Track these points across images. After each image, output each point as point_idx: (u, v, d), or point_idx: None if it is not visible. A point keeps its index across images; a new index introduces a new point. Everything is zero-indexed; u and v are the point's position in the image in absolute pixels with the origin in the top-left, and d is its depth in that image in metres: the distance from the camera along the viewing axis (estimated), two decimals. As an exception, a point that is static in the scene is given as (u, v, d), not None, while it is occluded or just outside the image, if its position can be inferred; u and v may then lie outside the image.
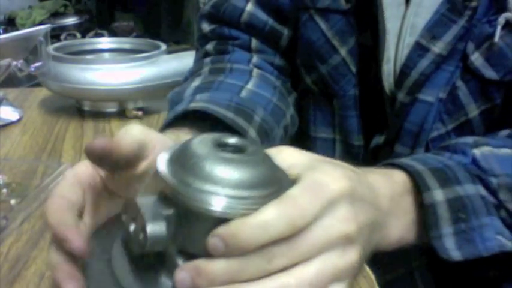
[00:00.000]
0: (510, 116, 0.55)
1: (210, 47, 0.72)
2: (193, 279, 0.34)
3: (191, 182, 0.36)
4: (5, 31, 3.11)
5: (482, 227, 0.45)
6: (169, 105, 0.61)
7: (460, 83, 0.55)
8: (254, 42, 0.70)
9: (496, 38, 0.52)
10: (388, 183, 0.45)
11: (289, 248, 0.34)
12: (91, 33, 3.35)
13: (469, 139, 0.51)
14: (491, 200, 0.46)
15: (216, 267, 0.34)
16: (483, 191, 0.46)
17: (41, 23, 3.10)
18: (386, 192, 0.44)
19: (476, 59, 0.54)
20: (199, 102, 0.55)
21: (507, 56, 0.53)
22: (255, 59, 0.69)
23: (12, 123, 0.94)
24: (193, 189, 0.36)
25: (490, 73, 0.54)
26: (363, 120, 0.64)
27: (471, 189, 0.46)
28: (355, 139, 0.64)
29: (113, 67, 0.96)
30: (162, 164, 0.38)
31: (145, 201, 0.38)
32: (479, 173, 0.47)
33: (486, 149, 0.49)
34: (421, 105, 0.57)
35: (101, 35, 3.18)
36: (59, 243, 0.37)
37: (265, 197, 0.36)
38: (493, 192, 0.46)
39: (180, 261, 0.38)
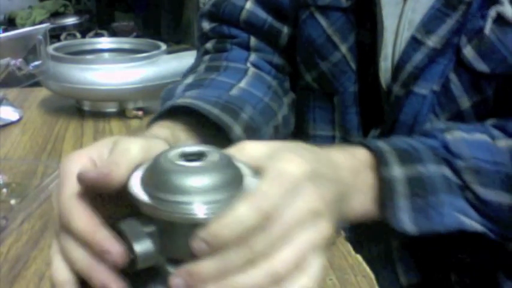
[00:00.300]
0: (502, 109, 0.55)
1: (209, 45, 0.72)
2: (187, 282, 0.37)
3: (167, 197, 0.39)
4: (5, 31, 3.11)
5: (440, 204, 0.47)
6: (160, 102, 0.62)
7: (452, 76, 0.56)
8: (253, 41, 0.70)
9: (487, 31, 0.53)
10: (349, 159, 0.47)
11: (266, 235, 0.37)
12: (91, 33, 3.35)
13: (442, 124, 0.54)
14: (455, 181, 0.48)
15: (205, 266, 0.37)
16: (447, 172, 0.48)
17: (41, 23, 3.10)
18: (347, 166, 0.46)
19: (469, 52, 0.55)
20: (187, 99, 0.56)
21: (498, 50, 0.54)
22: (253, 57, 0.70)
23: (12, 123, 0.94)
24: (171, 203, 0.39)
25: (481, 66, 0.54)
26: (361, 117, 0.64)
27: (434, 169, 0.48)
28: (354, 136, 0.65)
29: (113, 67, 0.96)
30: (136, 186, 0.41)
31: (127, 223, 0.40)
32: (446, 156, 0.48)
33: (457, 133, 0.51)
34: (415, 98, 0.57)
35: (101, 35, 3.18)
36: (97, 253, 0.38)
37: (235, 196, 0.39)
38: (457, 173, 0.48)
39: (171, 269, 0.40)
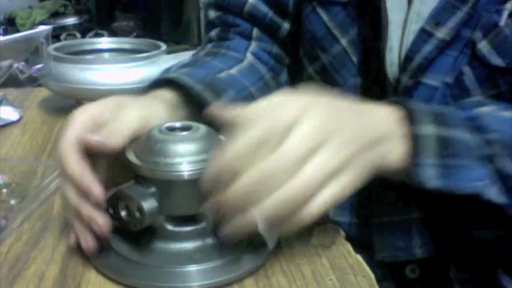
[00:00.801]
0: None
1: (213, 33, 0.77)
2: (219, 210, 0.43)
3: (161, 160, 0.48)
4: (5, 31, 3.11)
5: (467, 167, 0.46)
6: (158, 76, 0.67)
7: (466, 69, 0.57)
8: (255, 31, 0.74)
9: (502, 23, 0.53)
10: (383, 109, 0.48)
11: (275, 161, 0.41)
12: (91, 33, 3.35)
13: (474, 99, 0.55)
14: (485, 151, 0.47)
15: (230, 195, 0.42)
16: (478, 141, 0.47)
17: (40, 23, 3.10)
18: (382, 114, 0.47)
19: (483, 46, 0.55)
20: (175, 73, 0.62)
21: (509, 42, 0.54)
22: (253, 46, 0.74)
23: (12, 123, 0.94)
24: (165, 165, 0.48)
25: (496, 60, 0.55)
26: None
27: (465, 135, 0.47)
28: None
29: (113, 67, 0.96)
30: (132, 155, 0.50)
31: (130, 187, 0.50)
32: (478, 126, 0.48)
33: (490, 108, 0.51)
34: (424, 89, 0.58)
35: (101, 35, 3.18)
36: (78, 188, 0.47)
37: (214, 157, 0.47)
38: (487, 144, 0.47)
39: (169, 227, 0.51)
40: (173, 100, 0.59)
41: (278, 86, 0.73)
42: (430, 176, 0.45)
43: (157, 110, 0.55)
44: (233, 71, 0.69)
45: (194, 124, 0.52)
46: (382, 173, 0.47)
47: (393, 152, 0.46)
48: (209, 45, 0.76)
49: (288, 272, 0.51)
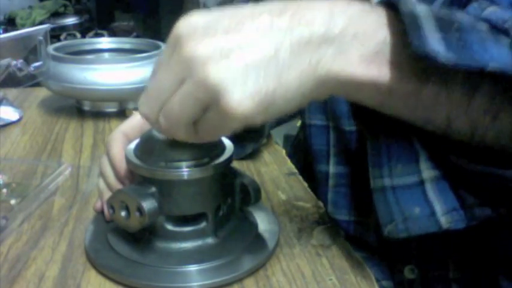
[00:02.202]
0: None
1: None
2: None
3: (160, 160, 0.49)
4: (5, 31, 3.10)
5: (484, 41, 0.38)
6: None
7: None
8: None
9: None
10: (347, 3, 0.40)
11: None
12: (91, 33, 3.35)
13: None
14: (501, 34, 0.39)
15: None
16: (488, 26, 0.40)
17: (41, 23, 3.10)
18: (339, 11, 0.39)
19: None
20: None
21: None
22: None
23: (12, 123, 0.94)
24: (168, 165, 0.49)
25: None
26: (355, 107, 0.65)
27: (468, 17, 0.40)
28: (346, 125, 0.65)
29: (113, 67, 0.96)
30: (132, 156, 0.51)
31: (130, 188, 0.50)
32: (485, 17, 0.41)
33: (493, 7, 0.43)
34: None
35: (101, 35, 3.18)
36: (114, 170, 0.56)
37: (217, 157, 0.50)
38: (501, 29, 0.39)
39: (169, 226, 0.51)
40: None
41: None
42: (438, 49, 0.36)
43: None
44: None
45: None
46: (335, 88, 0.39)
47: (345, 53, 0.38)
48: None
49: (288, 272, 0.51)
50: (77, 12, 3.62)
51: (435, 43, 0.37)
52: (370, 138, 0.47)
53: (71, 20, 3.52)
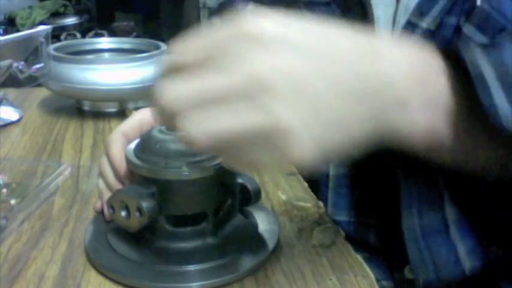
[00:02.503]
0: None
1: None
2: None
3: (160, 160, 0.49)
4: (5, 31, 3.11)
5: None
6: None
7: None
8: None
9: (478, 1, 0.53)
10: (407, 50, 0.39)
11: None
12: (91, 33, 3.35)
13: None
14: None
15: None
16: None
17: (41, 23, 3.10)
18: (401, 59, 0.37)
19: (468, 28, 0.55)
20: None
21: (494, 19, 0.53)
22: None
23: (12, 123, 0.94)
24: (168, 165, 0.49)
25: (480, 38, 0.54)
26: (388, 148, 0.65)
27: None
28: None
29: (113, 67, 0.96)
30: (132, 156, 0.51)
31: (130, 188, 0.51)
32: None
33: None
34: None
35: (101, 35, 3.18)
36: (114, 170, 0.56)
37: (215, 158, 0.49)
38: None
39: (169, 226, 0.51)
40: None
41: None
42: (507, 112, 0.35)
43: None
44: None
45: None
46: (392, 137, 0.37)
47: (410, 120, 0.37)
48: None
49: (288, 272, 0.51)
50: (77, 12, 3.63)
51: (503, 105, 0.36)
52: (403, 178, 0.49)
53: (71, 20, 3.53)
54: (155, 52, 0.99)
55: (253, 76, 0.33)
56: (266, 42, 0.33)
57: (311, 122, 0.33)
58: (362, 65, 0.36)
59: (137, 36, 3.19)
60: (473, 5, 0.54)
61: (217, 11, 0.80)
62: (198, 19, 3.40)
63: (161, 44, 1.04)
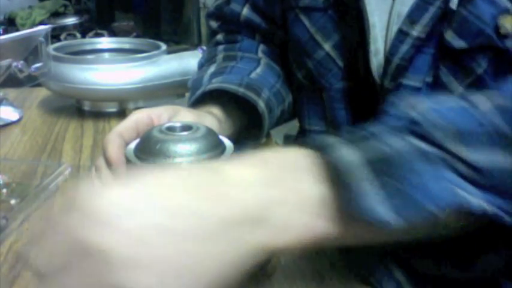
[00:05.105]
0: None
1: (220, 37, 0.80)
2: None
3: (160, 160, 0.48)
4: (5, 31, 3.10)
5: (421, 177, 0.35)
6: (190, 91, 0.71)
7: (440, 64, 0.56)
8: (257, 36, 0.77)
9: (453, 5, 0.53)
10: (274, 159, 0.37)
11: None
12: (91, 33, 3.35)
13: (403, 103, 0.43)
14: (435, 152, 0.37)
15: None
16: (422, 145, 0.37)
17: (41, 23, 3.10)
18: (250, 181, 0.35)
19: (448, 34, 0.55)
20: (215, 84, 0.65)
21: (472, 23, 0.53)
22: (262, 47, 0.77)
23: (12, 123, 0.94)
24: (168, 165, 0.48)
25: (459, 43, 0.54)
26: (354, 113, 0.65)
27: (401, 144, 0.37)
28: (345, 131, 0.65)
29: (113, 67, 0.96)
30: (132, 155, 0.51)
31: None
32: (416, 129, 0.38)
33: (424, 106, 0.41)
34: (405, 91, 0.57)
35: (101, 35, 3.18)
36: (111, 170, 0.54)
37: (216, 157, 0.49)
38: (435, 144, 0.37)
39: None
40: (219, 115, 0.64)
41: (291, 83, 0.75)
42: (381, 211, 0.34)
43: (210, 122, 0.59)
44: (258, 70, 0.72)
45: (194, 124, 0.52)
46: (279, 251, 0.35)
47: (287, 222, 0.35)
48: (221, 48, 0.79)
49: (288, 272, 0.51)
50: (77, 12, 3.62)
51: (375, 205, 0.34)
52: None
53: (71, 20, 3.52)
54: (155, 52, 0.99)
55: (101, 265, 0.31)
56: (102, 228, 0.32)
57: (168, 283, 0.32)
58: (205, 211, 0.33)
59: (137, 36, 3.19)
60: (452, 11, 0.54)
61: (213, 13, 0.81)
62: (198, 19, 3.40)
63: (161, 44, 1.04)
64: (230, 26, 0.78)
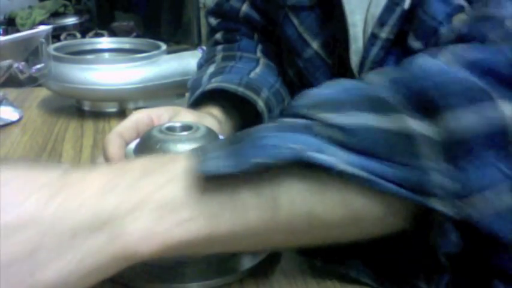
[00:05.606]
0: None
1: (219, 36, 0.80)
2: None
3: None
4: (5, 31, 3.11)
5: (266, 142, 0.36)
6: (189, 92, 0.71)
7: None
8: (256, 34, 0.78)
9: (406, 5, 0.53)
10: (140, 165, 0.38)
11: None
12: (91, 33, 3.35)
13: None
14: (302, 123, 0.38)
15: None
16: (289, 120, 0.39)
17: (41, 23, 3.10)
18: (100, 188, 0.35)
19: (410, 35, 0.55)
20: (214, 83, 0.66)
21: (426, 22, 0.53)
22: (261, 47, 0.77)
23: (12, 123, 0.94)
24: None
25: (416, 44, 0.54)
26: None
27: (269, 124, 0.39)
28: None
29: (113, 67, 0.96)
30: (132, 155, 0.51)
31: None
32: (288, 112, 0.40)
33: (311, 92, 0.43)
34: None
35: (101, 35, 3.18)
36: None
37: None
38: (302, 116, 0.39)
39: None
40: (219, 116, 0.64)
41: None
42: (213, 164, 0.36)
43: (210, 123, 0.58)
44: (257, 70, 0.72)
45: (194, 124, 0.52)
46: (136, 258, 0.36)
47: (148, 230, 0.35)
48: (219, 48, 0.79)
49: (288, 272, 0.51)
50: (77, 12, 3.62)
51: (215, 164, 0.35)
52: None
53: (71, 20, 3.52)
54: (155, 52, 0.99)
55: None
56: None
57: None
58: (57, 220, 0.33)
59: (137, 36, 3.19)
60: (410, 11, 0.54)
61: (213, 10, 0.81)
62: (198, 19, 3.40)
63: (161, 44, 1.04)
64: (229, 24, 0.79)
